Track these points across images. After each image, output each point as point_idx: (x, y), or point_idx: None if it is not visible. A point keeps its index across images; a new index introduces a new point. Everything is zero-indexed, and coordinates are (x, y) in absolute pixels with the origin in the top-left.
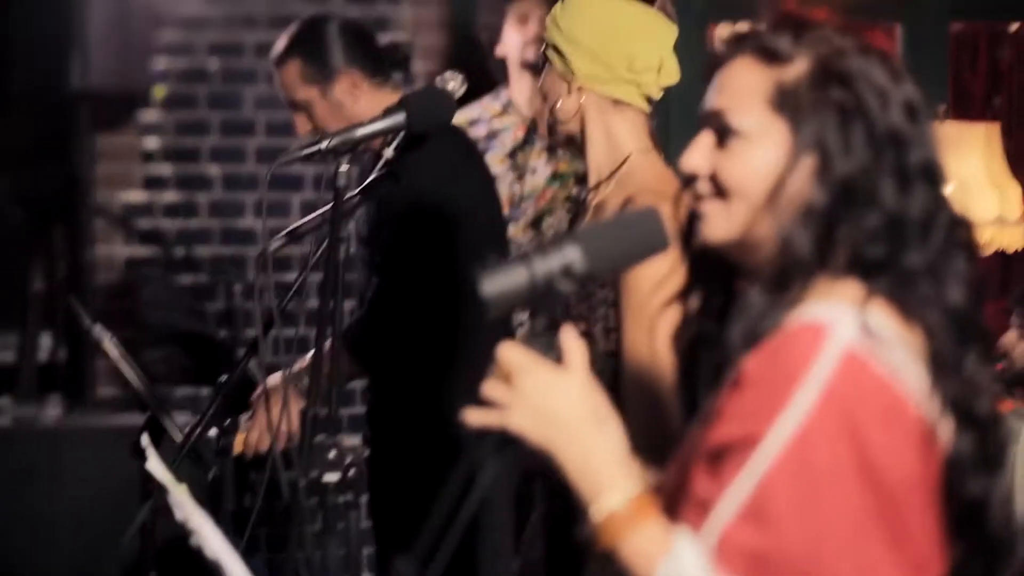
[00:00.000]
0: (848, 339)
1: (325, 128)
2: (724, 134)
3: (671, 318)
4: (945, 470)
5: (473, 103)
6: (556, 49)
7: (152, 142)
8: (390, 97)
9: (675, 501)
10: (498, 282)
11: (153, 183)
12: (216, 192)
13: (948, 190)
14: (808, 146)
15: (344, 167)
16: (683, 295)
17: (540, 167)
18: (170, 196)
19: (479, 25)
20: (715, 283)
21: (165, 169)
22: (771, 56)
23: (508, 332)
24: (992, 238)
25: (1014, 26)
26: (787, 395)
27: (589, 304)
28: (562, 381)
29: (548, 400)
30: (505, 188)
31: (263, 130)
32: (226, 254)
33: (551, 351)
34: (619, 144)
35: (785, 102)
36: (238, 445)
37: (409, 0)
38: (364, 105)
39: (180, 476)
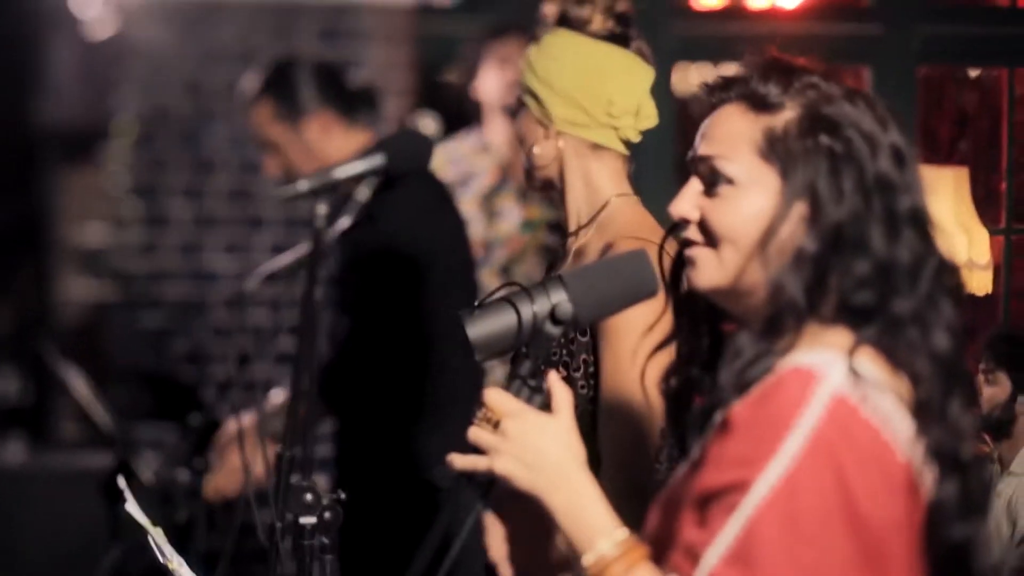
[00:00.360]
0: (837, 386)
1: (296, 168)
2: (713, 181)
3: (659, 363)
4: (929, 516)
5: (448, 143)
6: (532, 93)
7: (117, 180)
8: (361, 137)
9: (662, 546)
10: (485, 325)
11: (118, 221)
12: (182, 231)
13: (936, 235)
14: (799, 193)
15: (323, 210)
16: (670, 340)
17: (511, 212)
18: (135, 234)
19: (452, 65)
20: (701, 328)
21: (130, 207)
22: (760, 103)
23: (478, 376)
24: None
25: (977, 72)
26: (776, 441)
27: (569, 349)
28: (551, 426)
29: (538, 445)
30: (476, 231)
31: (230, 169)
32: (192, 293)
33: (536, 396)
34: (598, 189)
35: (775, 150)
36: (207, 491)
37: (378, 40)
38: (335, 145)
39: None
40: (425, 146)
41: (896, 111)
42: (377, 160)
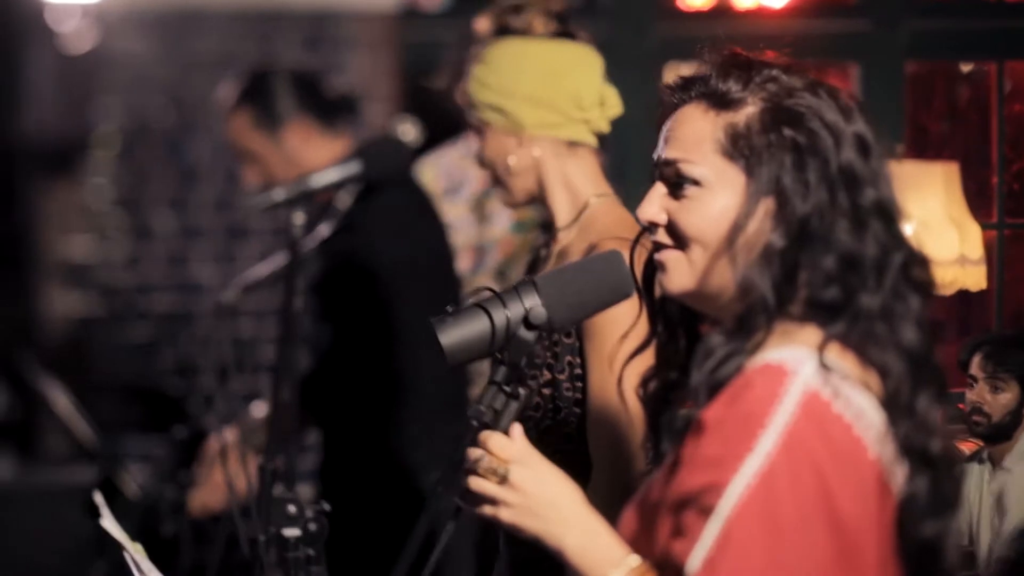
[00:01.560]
0: (808, 381)
1: (276, 177)
2: (679, 183)
3: (638, 368)
4: (900, 513)
5: (436, 154)
6: (493, 108)
7: (100, 192)
8: (340, 144)
9: (638, 547)
10: (458, 332)
11: (102, 234)
12: (166, 243)
13: (905, 227)
14: (765, 189)
15: (300, 219)
16: (646, 344)
17: (502, 215)
18: (119, 247)
19: (436, 71)
20: (678, 331)
21: (114, 220)
22: (720, 101)
23: (462, 385)
24: (954, 278)
25: (967, 67)
26: (749, 440)
27: (554, 352)
28: (551, 471)
29: (544, 494)
30: (469, 236)
31: (214, 179)
32: (177, 305)
33: (512, 402)
34: (577, 189)
35: (738, 147)
36: (193, 505)
37: (362, 47)
38: (315, 153)
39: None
40: (402, 153)
41: (859, 99)
42: (353, 168)
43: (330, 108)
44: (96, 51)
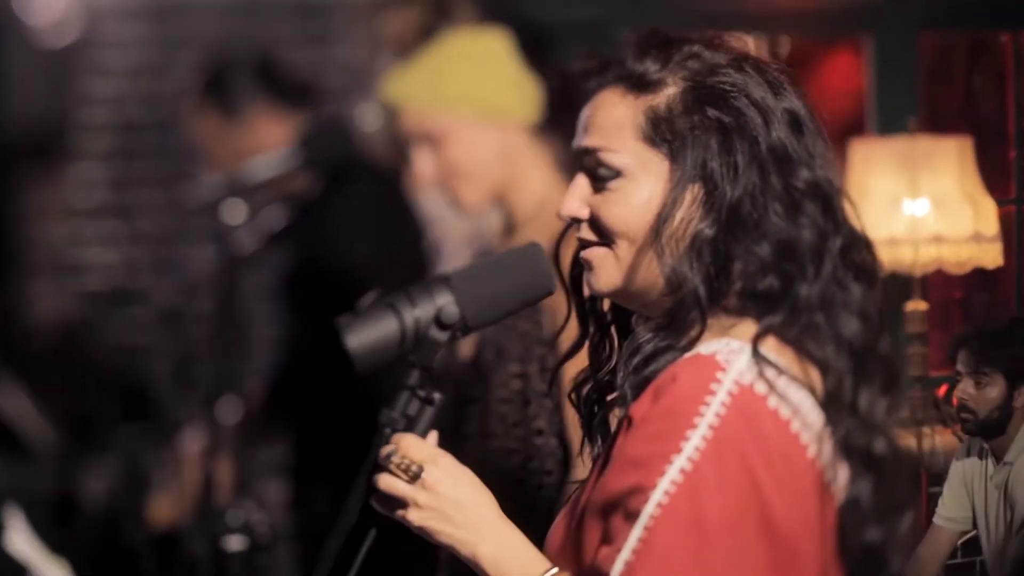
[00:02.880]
0: (741, 376)
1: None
2: (600, 175)
3: (573, 370)
4: (841, 516)
5: None
6: (456, 100)
7: (85, 191)
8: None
9: (568, 555)
10: (365, 334)
11: (87, 232)
12: (154, 236)
13: (846, 209)
14: (691, 175)
15: (240, 215)
16: (577, 347)
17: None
18: (105, 242)
19: None
20: (609, 330)
21: (100, 213)
22: (639, 83)
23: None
24: (970, 256)
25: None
26: (676, 438)
27: (524, 344)
28: (467, 475)
29: (457, 497)
30: (458, 227)
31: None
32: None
33: (427, 407)
34: (541, 180)
35: (659, 131)
36: (152, 516)
37: (355, 35)
38: (279, 142)
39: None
40: (344, 137)
41: (791, 73)
42: (293, 157)
43: (293, 94)
44: (82, 39)
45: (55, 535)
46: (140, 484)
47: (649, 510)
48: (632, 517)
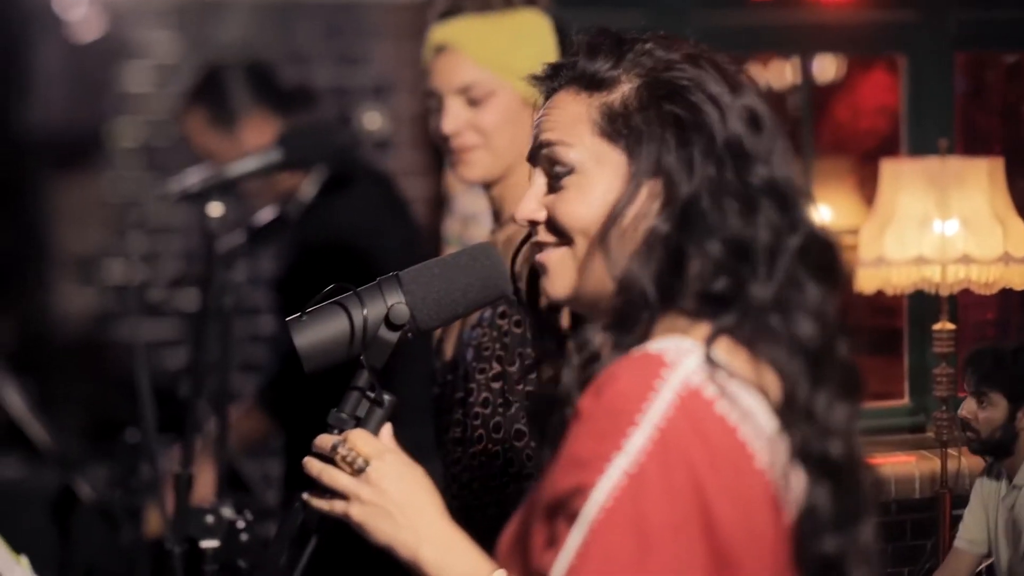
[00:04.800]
0: (689, 378)
1: None
2: (556, 172)
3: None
4: (798, 526)
5: None
6: (510, 72)
7: (115, 187)
8: None
9: (515, 558)
10: (313, 333)
11: (116, 229)
12: (182, 238)
13: (805, 208)
14: (646, 170)
15: (217, 210)
16: (538, 360)
17: None
18: (134, 242)
19: None
20: (567, 342)
21: (128, 214)
22: (592, 83)
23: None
24: (998, 277)
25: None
26: (619, 437)
27: (503, 343)
28: (413, 472)
29: (400, 494)
30: (488, 227)
31: None
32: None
33: (376, 409)
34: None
35: (615, 127)
36: (149, 521)
37: (386, 37)
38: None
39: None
40: (328, 138)
41: (749, 72)
42: (273, 155)
43: (287, 100)
44: (111, 40)
45: (56, 533)
46: (137, 488)
47: (591, 512)
48: (573, 519)
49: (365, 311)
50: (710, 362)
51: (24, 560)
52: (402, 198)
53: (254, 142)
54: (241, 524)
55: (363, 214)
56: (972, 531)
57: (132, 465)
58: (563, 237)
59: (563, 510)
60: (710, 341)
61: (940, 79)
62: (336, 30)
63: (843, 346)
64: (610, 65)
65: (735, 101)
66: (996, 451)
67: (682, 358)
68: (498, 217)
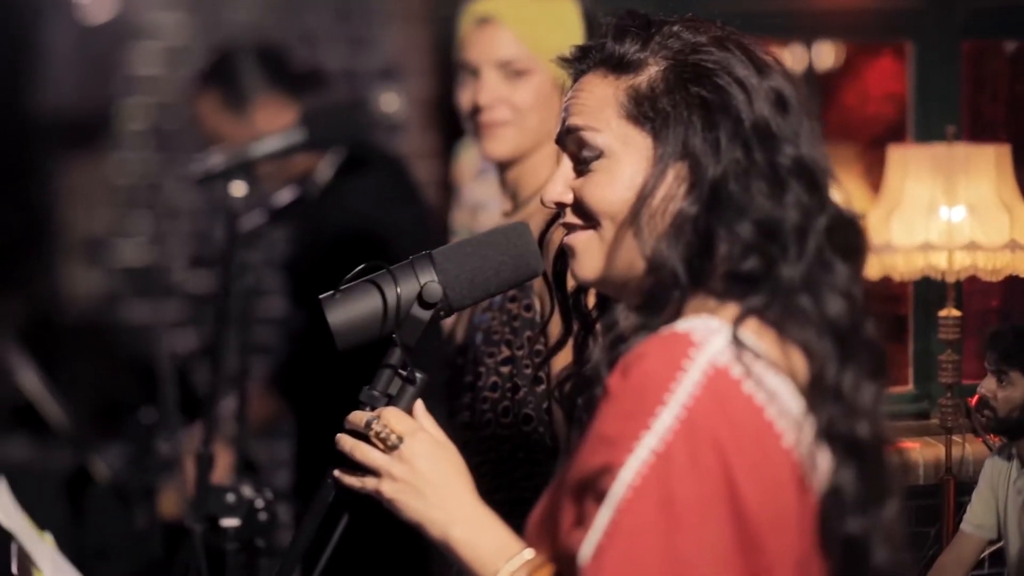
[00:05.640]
0: (716, 357)
1: None
2: (584, 156)
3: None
4: (823, 506)
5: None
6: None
7: (124, 168)
8: None
9: (544, 538)
10: (347, 310)
11: (124, 210)
12: (190, 220)
13: (831, 188)
14: (673, 153)
15: (240, 190)
16: (561, 344)
17: None
18: (142, 224)
19: None
20: (594, 326)
21: (136, 195)
22: (619, 65)
23: (442, 368)
24: (1005, 264)
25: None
26: (646, 416)
27: (512, 326)
28: (445, 451)
29: (432, 472)
30: (498, 215)
31: None
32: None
33: (408, 386)
34: (548, 159)
35: (642, 110)
36: (163, 505)
37: (396, 20)
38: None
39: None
40: (353, 119)
41: (776, 54)
42: (297, 135)
43: (299, 83)
44: (121, 22)
45: (69, 514)
46: (152, 468)
47: (619, 491)
48: (602, 498)
49: (399, 289)
50: (737, 342)
51: (48, 536)
52: (415, 181)
53: (267, 125)
54: (260, 503)
55: (378, 197)
56: (980, 515)
57: (147, 445)
58: (590, 220)
59: (591, 489)
60: (738, 321)
61: (947, 66)
62: (345, 13)
63: (870, 325)
64: (637, 48)
65: (762, 83)
66: (1012, 431)
67: (710, 338)
68: (514, 199)
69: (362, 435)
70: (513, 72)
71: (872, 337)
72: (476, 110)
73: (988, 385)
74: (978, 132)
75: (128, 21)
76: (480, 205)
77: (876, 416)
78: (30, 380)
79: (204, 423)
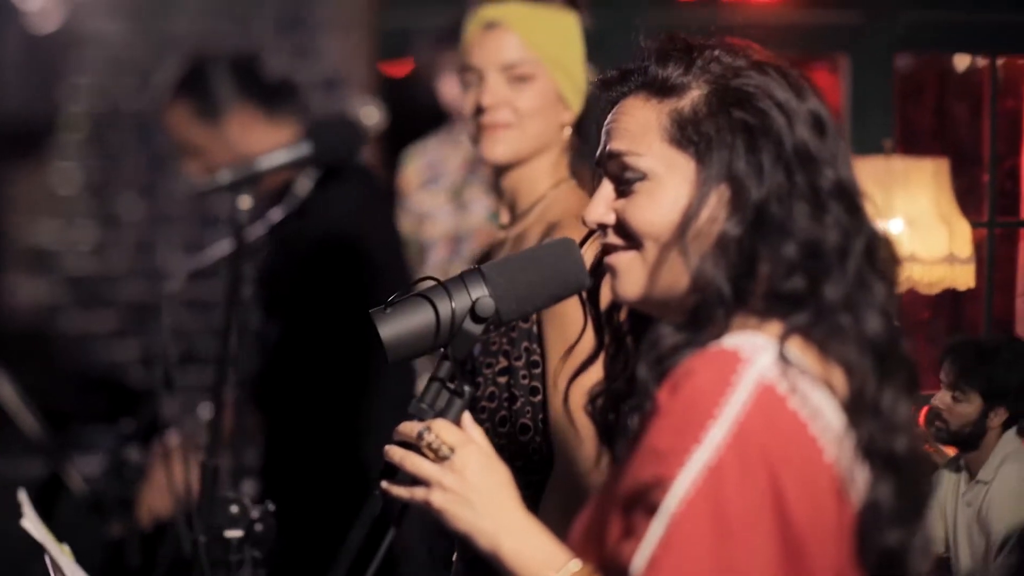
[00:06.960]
0: (764, 374)
1: (218, 169)
2: (626, 178)
3: (586, 381)
4: (861, 519)
5: (421, 144)
6: (555, 64)
7: (66, 176)
8: (284, 131)
9: (590, 547)
10: (400, 324)
11: (68, 219)
12: (133, 230)
13: (866, 209)
14: (717, 176)
15: (246, 203)
16: (591, 360)
17: (479, 203)
18: (85, 233)
19: (411, 56)
20: (626, 341)
21: (81, 205)
22: (662, 89)
23: (412, 380)
24: (942, 277)
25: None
26: (698, 430)
27: (510, 337)
28: (495, 463)
29: (482, 484)
30: (446, 226)
31: None
32: (144, 294)
33: (456, 400)
34: (550, 172)
35: (685, 133)
36: (140, 512)
37: (337, 30)
38: (258, 141)
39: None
40: (354, 135)
41: (872, 99)
42: (303, 150)
43: (272, 93)
44: (65, 31)
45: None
46: (128, 476)
47: (671, 504)
48: (653, 510)
49: (452, 304)
50: (783, 359)
51: (66, 548)
52: (384, 191)
53: (239, 135)
54: (256, 514)
55: (357, 209)
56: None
57: (122, 455)
58: (632, 241)
59: (642, 502)
60: (783, 338)
61: (881, 80)
62: (289, 23)
63: (905, 343)
64: (680, 71)
65: (800, 106)
66: (962, 444)
67: (757, 354)
68: (512, 210)
69: (412, 446)
70: (517, 77)
71: (907, 353)
72: (479, 112)
73: (943, 399)
74: (911, 146)
75: (72, 30)
76: (426, 215)
77: (912, 431)
78: (5, 390)
79: (209, 432)
